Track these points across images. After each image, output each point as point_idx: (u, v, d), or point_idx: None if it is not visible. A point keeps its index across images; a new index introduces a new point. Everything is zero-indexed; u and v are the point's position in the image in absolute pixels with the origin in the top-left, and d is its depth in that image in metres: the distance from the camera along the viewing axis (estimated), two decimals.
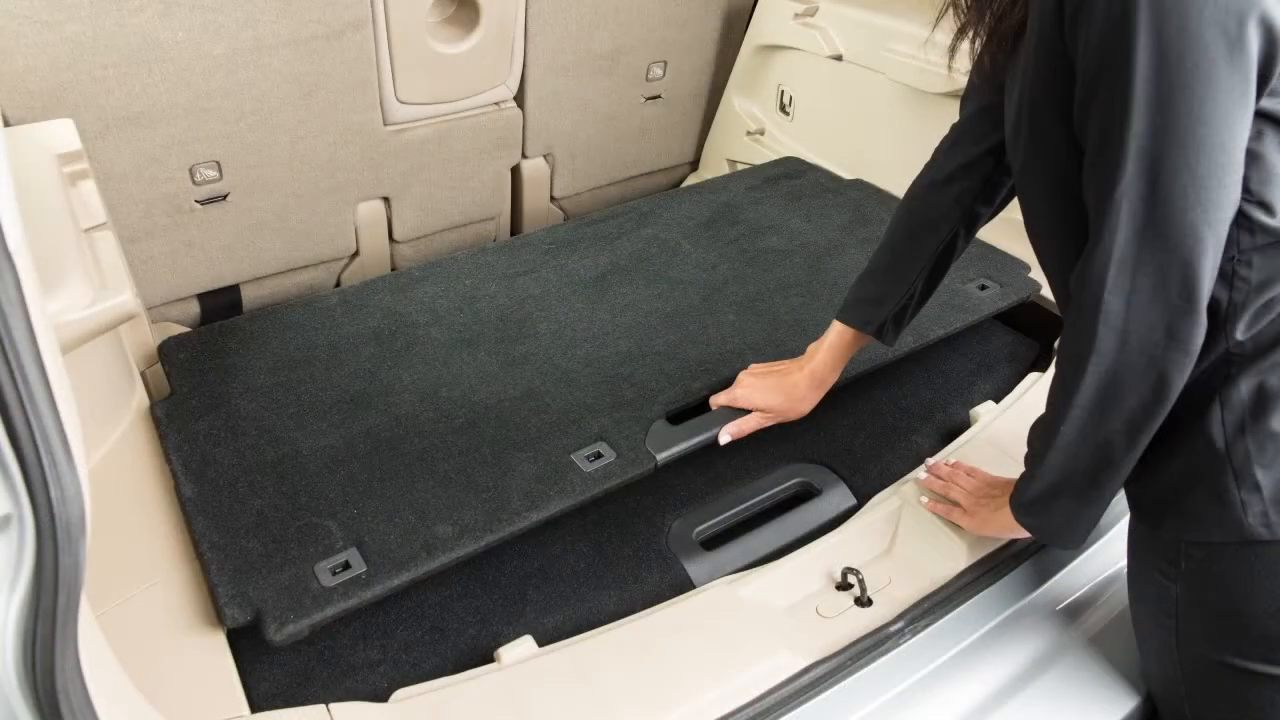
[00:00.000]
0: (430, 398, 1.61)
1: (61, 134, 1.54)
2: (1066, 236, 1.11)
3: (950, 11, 1.14)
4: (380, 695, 1.24)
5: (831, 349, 1.55)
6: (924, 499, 1.45)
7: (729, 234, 2.11)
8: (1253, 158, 0.97)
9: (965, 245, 1.46)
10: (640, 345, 1.75)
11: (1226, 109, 0.91)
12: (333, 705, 1.17)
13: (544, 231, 2.14)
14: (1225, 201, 0.94)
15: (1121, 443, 1.07)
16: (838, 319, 1.54)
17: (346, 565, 1.30)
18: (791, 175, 2.37)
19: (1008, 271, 1.94)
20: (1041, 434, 1.15)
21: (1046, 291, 1.87)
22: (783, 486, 1.61)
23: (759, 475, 1.62)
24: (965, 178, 1.39)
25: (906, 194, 1.48)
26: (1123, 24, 0.91)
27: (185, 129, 1.92)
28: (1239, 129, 0.93)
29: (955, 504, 1.42)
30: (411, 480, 1.44)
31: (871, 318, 1.50)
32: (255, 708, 1.23)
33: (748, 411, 1.57)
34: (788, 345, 1.74)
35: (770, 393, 1.57)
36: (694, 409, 1.61)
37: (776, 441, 1.68)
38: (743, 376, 1.61)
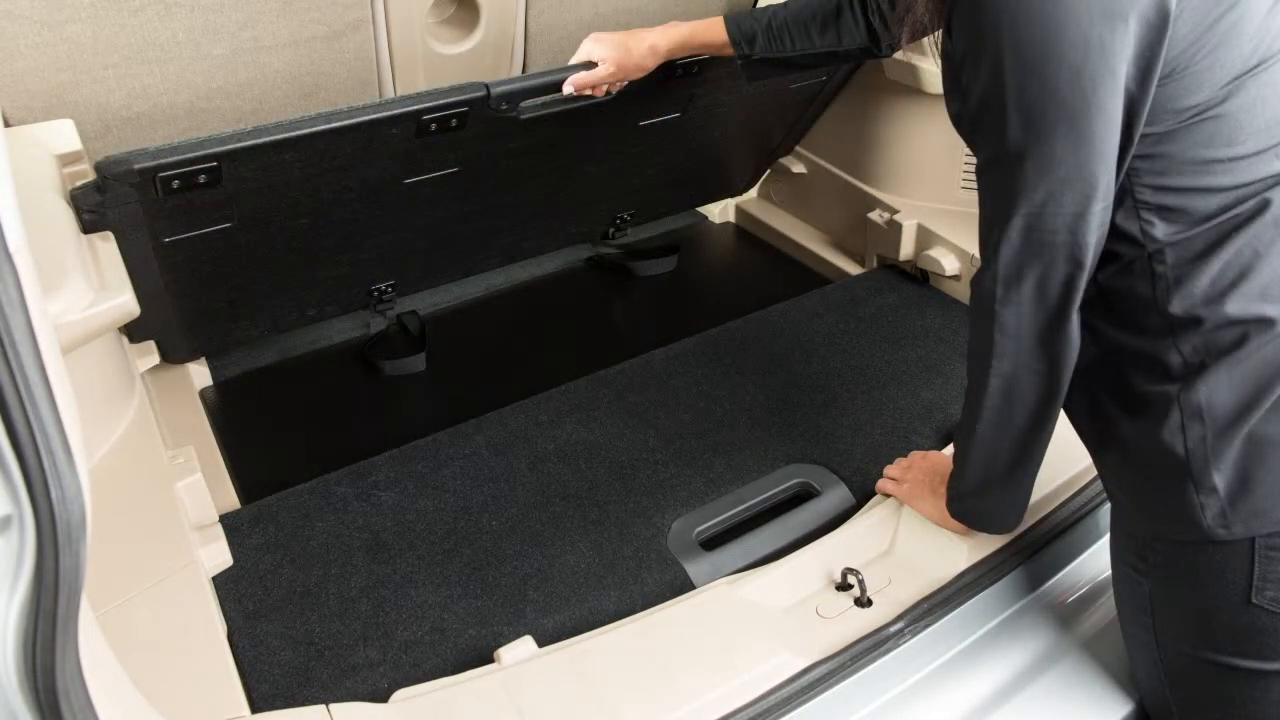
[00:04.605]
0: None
1: (61, 134, 1.55)
2: None
3: None
4: (380, 695, 1.24)
5: (692, 32, 1.63)
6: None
7: None
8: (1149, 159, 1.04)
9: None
10: None
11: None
12: (333, 705, 1.17)
13: None
14: (1092, 223, 1.03)
15: (1030, 433, 1.19)
16: (724, 16, 1.62)
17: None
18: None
19: None
20: (962, 438, 1.25)
21: None
22: (782, 487, 1.61)
23: (759, 475, 1.62)
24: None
25: None
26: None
27: (185, 129, 1.91)
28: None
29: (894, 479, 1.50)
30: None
31: (750, 43, 1.59)
32: (255, 708, 1.24)
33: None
34: None
35: (609, 46, 1.62)
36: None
37: (776, 441, 1.69)
38: (588, 39, 1.65)
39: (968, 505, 1.33)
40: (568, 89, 1.63)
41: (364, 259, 1.92)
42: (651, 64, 1.65)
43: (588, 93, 1.66)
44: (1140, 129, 1.01)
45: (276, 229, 1.68)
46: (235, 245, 1.67)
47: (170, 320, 1.78)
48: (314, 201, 1.66)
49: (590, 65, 1.62)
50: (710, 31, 1.62)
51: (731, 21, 1.60)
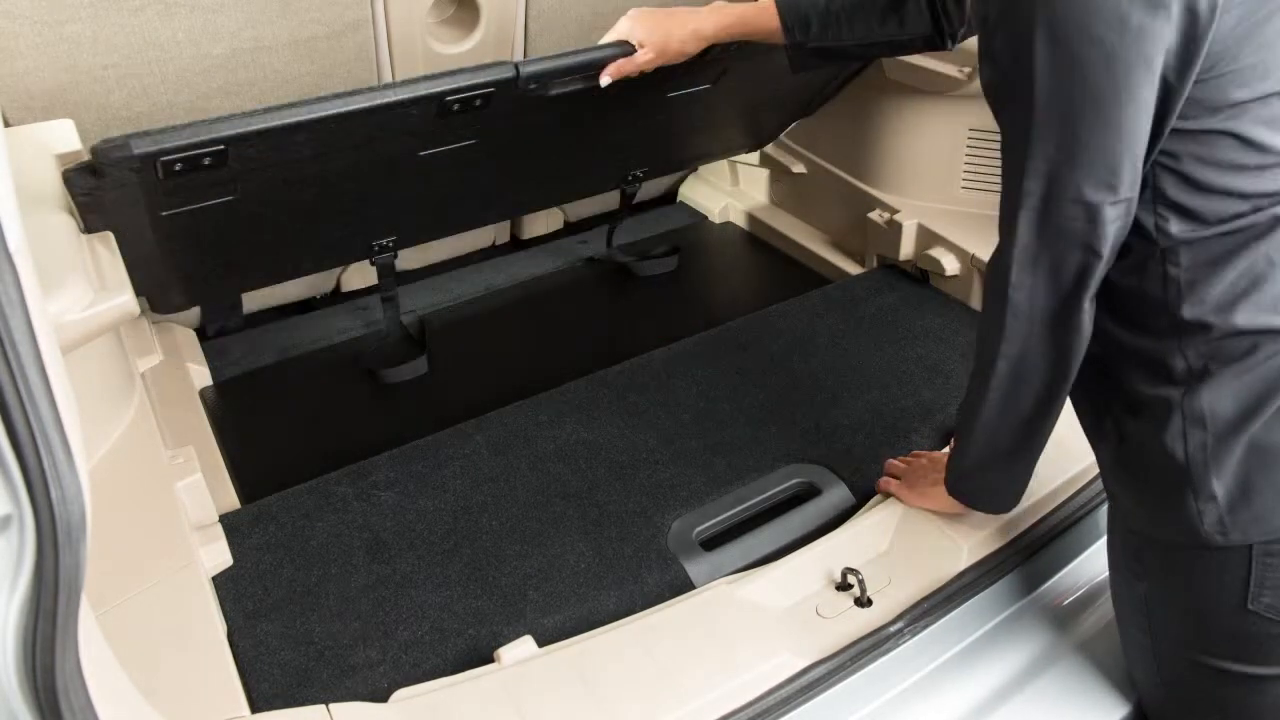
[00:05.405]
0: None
1: (61, 134, 1.54)
2: None
3: None
4: (380, 695, 1.24)
5: (739, 16, 1.50)
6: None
7: None
8: (1169, 172, 1.02)
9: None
10: None
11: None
12: (333, 705, 1.17)
13: None
14: (1112, 213, 1.01)
15: (1034, 418, 1.18)
16: (776, 1, 1.49)
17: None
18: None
19: None
20: (965, 416, 1.24)
21: None
22: (783, 486, 1.61)
23: (759, 475, 1.62)
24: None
25: None
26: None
27: None
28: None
29: (897, 478, 1.50)
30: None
31: (805, 29, 1.47)
32: (255, 708, 1.24)
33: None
34: None
35: (650, 30, 1.51)
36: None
37: (776, 441, 1.69)
38: (629, 14, 1.55)
39: (967, 483, 1.33)
40: (605, 80, 1.52)
41: (370, 214, 1.91)
42: (693, 49, 1.54)
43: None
44: (1172, 123, 0.98)
45: (279, 198, 1.68)
46: (234, 214, 1.67)
47: (165, 277, 1.77)
48: (319, 177, 1.65)
49: (627, 47, 1.52)
50: (761, 16, 1.49)
51: (785, 6, 1.47)
